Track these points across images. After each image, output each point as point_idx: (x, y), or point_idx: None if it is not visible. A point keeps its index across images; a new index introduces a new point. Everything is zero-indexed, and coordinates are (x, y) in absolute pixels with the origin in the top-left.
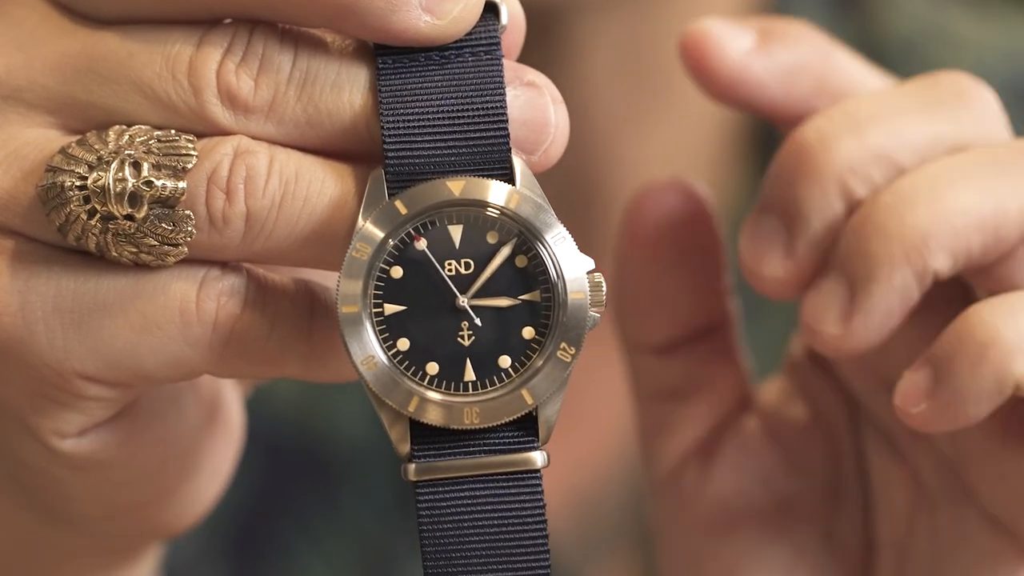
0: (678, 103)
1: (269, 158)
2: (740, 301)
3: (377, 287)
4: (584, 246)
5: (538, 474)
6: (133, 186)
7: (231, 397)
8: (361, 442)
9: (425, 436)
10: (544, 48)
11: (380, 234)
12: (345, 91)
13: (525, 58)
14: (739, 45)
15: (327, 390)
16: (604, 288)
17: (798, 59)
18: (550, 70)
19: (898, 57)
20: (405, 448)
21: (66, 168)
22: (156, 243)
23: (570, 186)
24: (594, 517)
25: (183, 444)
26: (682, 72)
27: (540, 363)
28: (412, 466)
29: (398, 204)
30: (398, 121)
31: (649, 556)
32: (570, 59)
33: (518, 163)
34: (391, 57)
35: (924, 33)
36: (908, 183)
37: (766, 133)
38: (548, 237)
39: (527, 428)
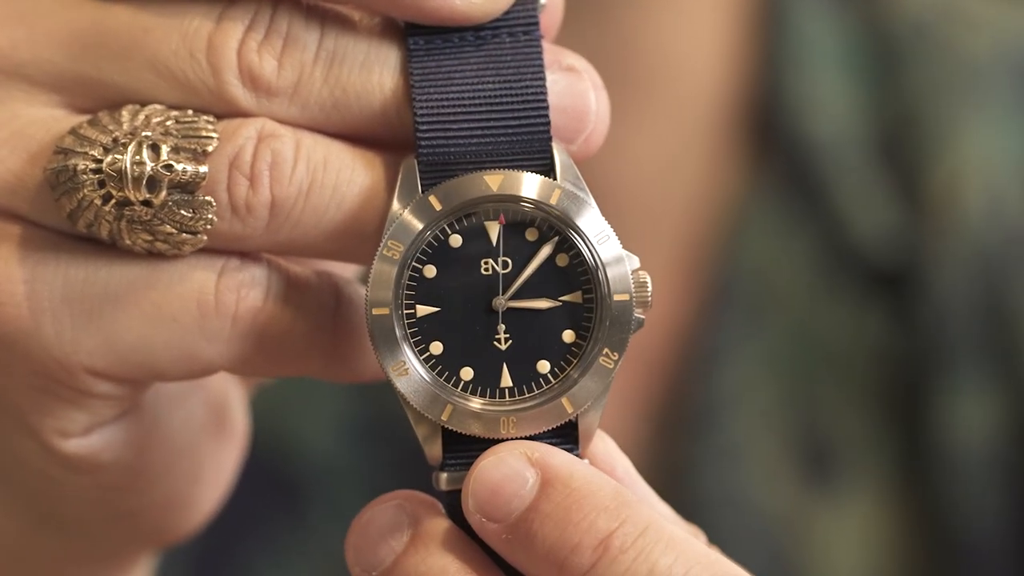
0: (669, 95)
1: (295, 143)
2: (736, 313)
3: (409, 287)
4: None
5: None
6: (152, 170)
7: (236, 400)
8: (330, 459)
9: (459, 443)
10: None
11: (413, 231)
12: (375, 72)
13: None
14: None
15: (295, 405)
16: (650, 287)
17: None
18: None
19: (911, 41)
20: (436, 453)
21: (79, 150)
22: (173, 231)
23: None
24: None
25: (188, 448)
26: (667, 64)
27: (581, 369)
28: (444, 475)
29: (432, 199)
30: (432, 106)
31: None
32: None
33: (559, 153)
34: (423, 37)
35: (937, 13)
36: None
37: (765, 122)
38: (590, 235)
39: (566, 436)
